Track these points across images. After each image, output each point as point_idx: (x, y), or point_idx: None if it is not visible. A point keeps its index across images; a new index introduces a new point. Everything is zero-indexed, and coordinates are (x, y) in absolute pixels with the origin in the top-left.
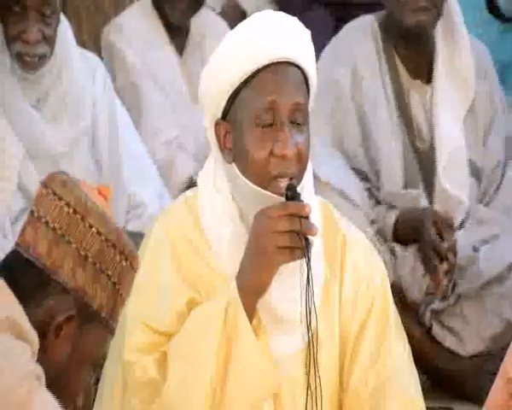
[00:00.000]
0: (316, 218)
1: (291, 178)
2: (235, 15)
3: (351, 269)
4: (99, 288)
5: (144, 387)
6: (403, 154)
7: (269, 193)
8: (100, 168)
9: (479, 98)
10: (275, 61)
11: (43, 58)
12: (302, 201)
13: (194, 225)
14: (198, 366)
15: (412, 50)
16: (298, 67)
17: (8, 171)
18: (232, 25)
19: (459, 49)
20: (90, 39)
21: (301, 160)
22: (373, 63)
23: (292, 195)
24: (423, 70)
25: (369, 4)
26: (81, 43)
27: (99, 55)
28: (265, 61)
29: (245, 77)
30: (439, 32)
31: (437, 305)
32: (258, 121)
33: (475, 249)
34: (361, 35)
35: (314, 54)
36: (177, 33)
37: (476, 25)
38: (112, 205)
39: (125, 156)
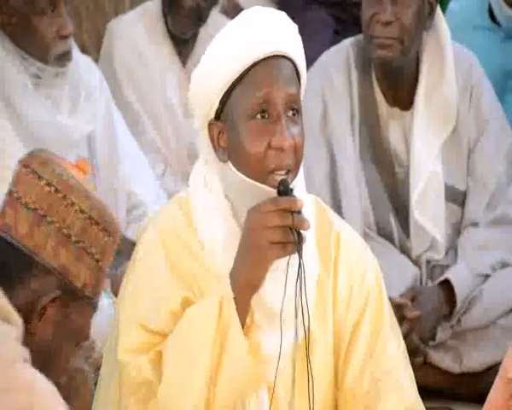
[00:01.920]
0: (309, 214)
1: (288, 171)
2: (235, 15)
3: (345, 268)
4: (82, 266)
5: (139, 387)
6: (369, 190)
7: (267, 187)
8: (97, 168)
9: (461, 119)
10: (266, 55)
11: (70, 54)
12: (294, 196)
13: (187, 225)
14: (193, 365)
15: (390, 78)
16: (288, 59)
17: (7, 171)
18: None
19: (444, 78)
20: (90, 39)
21: (297, 152)
22: (341, 95)
23: (284, 190)
24: (403, 97)
25: None
26: (81, 43)
27: (99, 54)
28: (257, 57)
29: (238, 75)
30: (426, 61)
31: (438, 338)
32: (254, 116)
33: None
34: (333, 65)
35: (302, 46)
36: (184, 42)
37: (482, 30)
38: (112, 206)
39: (122, 156)
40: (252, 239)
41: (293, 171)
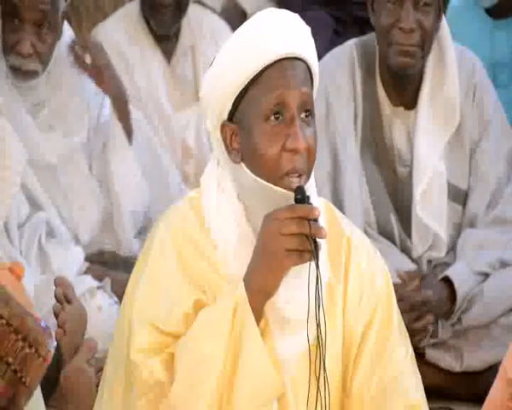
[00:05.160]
0: (321, 219)
1: (300, 175)
2: (235, 15)
3: (355, 274)
4: None
5: (151, 388)
6: (369, 189)
7: (281, 189)
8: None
9: (464, 119)
10: (279, 57)
11: (32, 74)
12: (311, 203)
13: (200, 225)
14: (205, 368)
15: (396, 79)
16: (301, 60)
17: (8, 171)
18: (232, 25)
19: (447, 77)
20: None
21: (311, 154)
22: (345, 94)
23: (301, 197)
24: (408, 97)
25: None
26: None
27: None
28: (272, 59)
29: (251, 76)
30: (430, 61)
31: (440, 337)
32: (268, 117)
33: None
34: (337, 64)
35: (315, 48)
36: (166, 38)
37: (469, 23)
38: (118, 225)
39: (115, 173)
40: (267, 246)
41: (306, 174)
